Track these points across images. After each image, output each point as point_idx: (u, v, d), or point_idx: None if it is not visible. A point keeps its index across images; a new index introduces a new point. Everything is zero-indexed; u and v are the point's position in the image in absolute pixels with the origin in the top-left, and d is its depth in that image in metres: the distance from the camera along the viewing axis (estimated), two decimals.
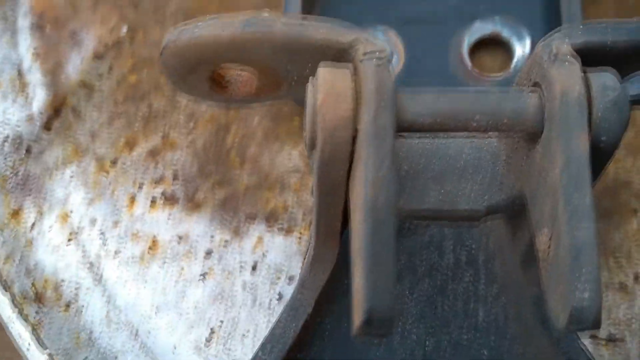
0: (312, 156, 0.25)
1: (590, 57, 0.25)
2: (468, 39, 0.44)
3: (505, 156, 0.27)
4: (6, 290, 0.42)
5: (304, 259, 0.35)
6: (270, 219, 0.43)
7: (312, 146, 0.24)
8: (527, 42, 0.43)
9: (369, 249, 0.22)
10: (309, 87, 0.24)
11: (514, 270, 0.33)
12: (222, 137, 0.46)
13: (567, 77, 0.23)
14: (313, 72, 0.24)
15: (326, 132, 0.23)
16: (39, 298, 0.42)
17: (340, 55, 0.25)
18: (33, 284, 0.43)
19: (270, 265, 0.42)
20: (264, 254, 0.42)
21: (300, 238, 0.43)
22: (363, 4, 0.45)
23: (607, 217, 0.40)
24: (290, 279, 0.41)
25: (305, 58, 0.25)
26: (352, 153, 0.23)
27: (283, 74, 0.27)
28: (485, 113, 0.23)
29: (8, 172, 0.45)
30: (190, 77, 0.27)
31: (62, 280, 0.43)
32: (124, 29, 0.49)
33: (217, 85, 0.29)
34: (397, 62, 0.45)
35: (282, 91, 0.29)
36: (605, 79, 0.23)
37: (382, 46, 0.24)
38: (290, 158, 0.45)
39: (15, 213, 0.45)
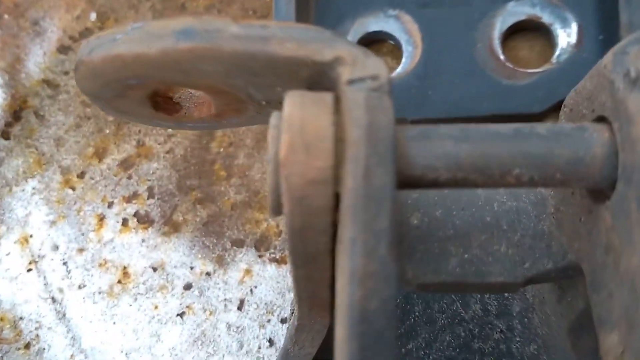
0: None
1: None
2: (500, 25, 0.36)
3: (554, 208, 0.20)
4: None
5: (292, 309, 0.28)
6: (260, 245, 0.36)
7: (277, 211, 0.17)
8: (574, 28, 0.35)
9: None
10: (271, 125, 0.16)
11: (559, 333, 0.26)
12: (205, 145, 0.39)
13: None
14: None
15: (293, 199, 0.15)
16: None
17: (317, 76, 0.17)
18: None
19: (259, 304, 0.35)
20: (252, 289, 0.36)
21: None
22: None
23: None
24: (283, 320, 0.35)
25: (271, 80, 0.18)
26: (334, 222, 0.16)
27: (244, 97, 0.19)
28: (528, 166, 0.16)
29: None
30: (120, 100, 0.20)
31: (21, 318, 0.37)
32: (93, 16, 0.42)
33: (163, 108, 0.21)
34: (413, 54, 0.37)
35: (250, 114, 0.21)
36: None
37: (377, 67, 0.16)
38: None
39: None
